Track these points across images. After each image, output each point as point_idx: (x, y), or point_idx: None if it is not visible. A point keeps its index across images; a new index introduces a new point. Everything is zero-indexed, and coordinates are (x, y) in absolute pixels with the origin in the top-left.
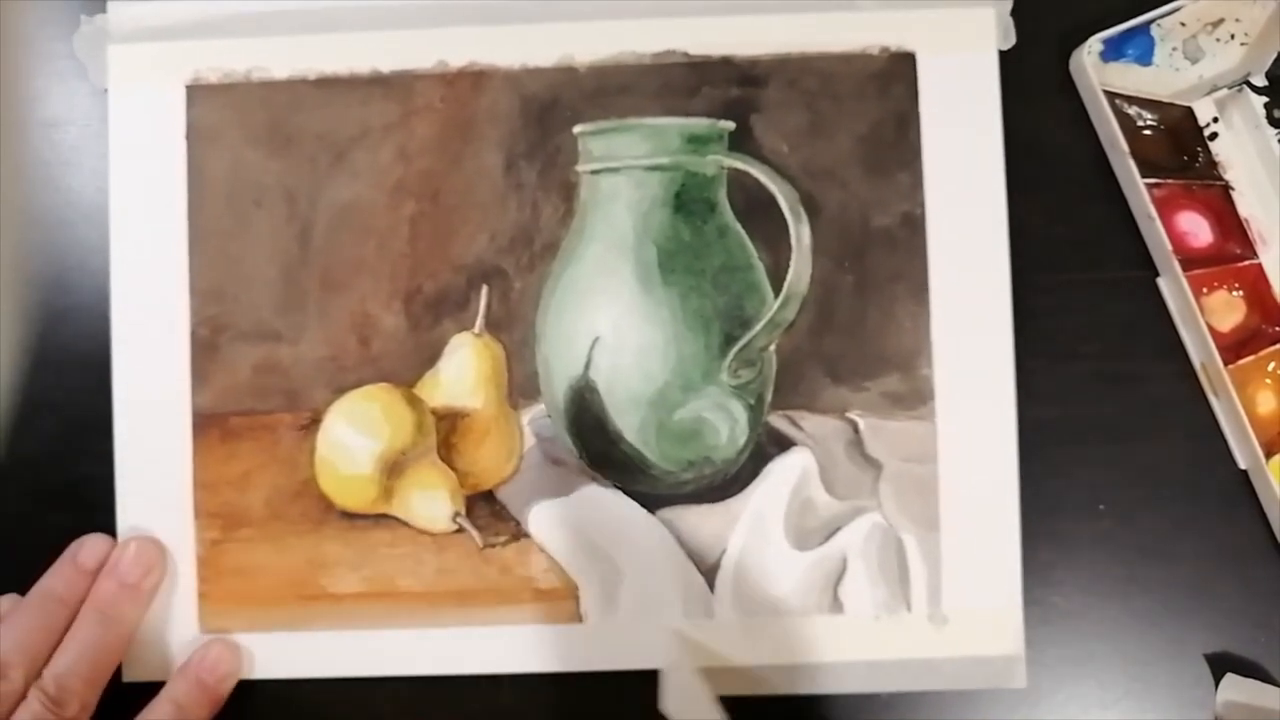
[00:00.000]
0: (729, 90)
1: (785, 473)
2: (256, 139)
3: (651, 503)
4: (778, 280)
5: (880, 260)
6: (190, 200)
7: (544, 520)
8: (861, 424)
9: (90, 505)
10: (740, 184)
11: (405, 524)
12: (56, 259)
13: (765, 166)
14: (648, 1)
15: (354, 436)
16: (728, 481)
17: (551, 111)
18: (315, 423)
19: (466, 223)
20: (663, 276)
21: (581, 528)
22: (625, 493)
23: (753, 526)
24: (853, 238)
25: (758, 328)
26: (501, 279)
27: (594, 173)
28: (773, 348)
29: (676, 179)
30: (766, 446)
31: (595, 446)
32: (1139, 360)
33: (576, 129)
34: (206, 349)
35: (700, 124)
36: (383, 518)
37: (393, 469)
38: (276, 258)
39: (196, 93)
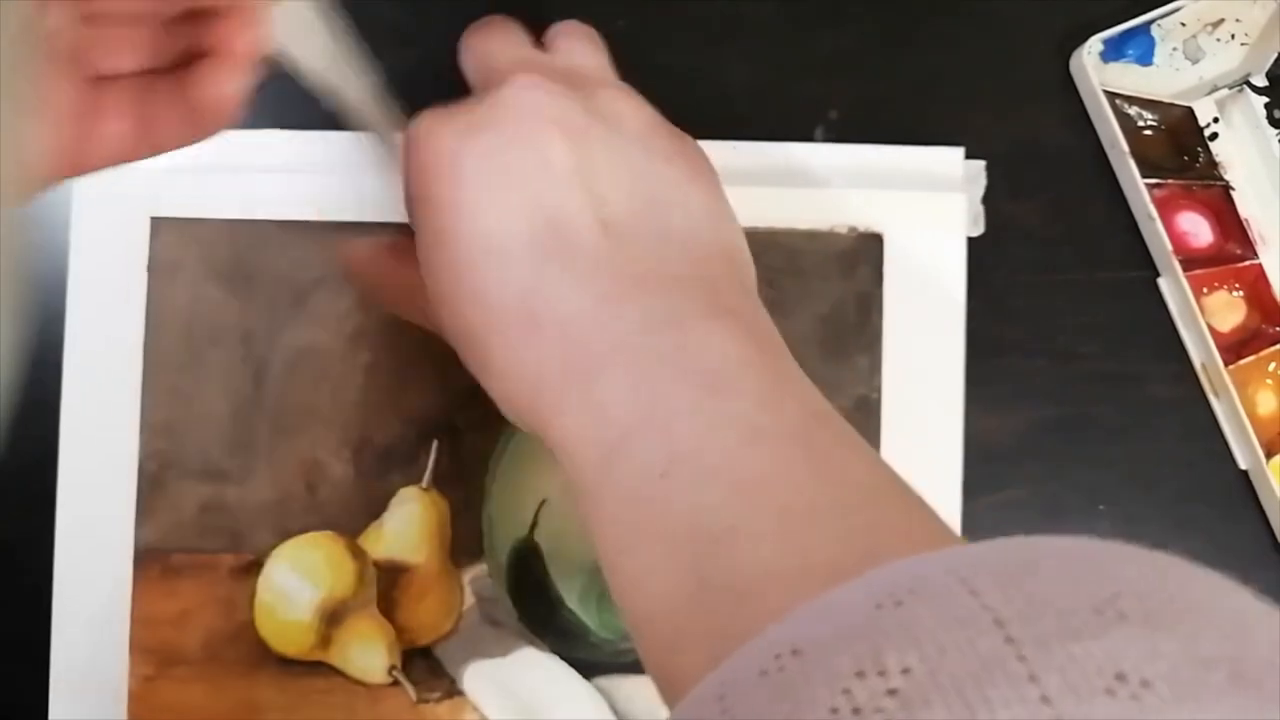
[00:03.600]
0: None
1: None
2: (218, 275)
3: (589, 669)
4: None
5: None
6: (147, 333)
7: (479, 680)
8: None
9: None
10: None
11: (341, 673)
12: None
13: None
14: None
15: (295, 583)
16: None
17: None
18: (257, 566)
19: (422, 376)
20: None
21: (516, 690)
22: (563, 658)
23: None
24: None
25: None
26: (453, 435)
27: None
28: None
29: None
30: None
31: (535, 610)
32: (1139, 360)
33: None
34: (153, 484)
35: None
36: (319, 665)
37: (332, 618)
38: (229, 397)
39: (160, 225)
